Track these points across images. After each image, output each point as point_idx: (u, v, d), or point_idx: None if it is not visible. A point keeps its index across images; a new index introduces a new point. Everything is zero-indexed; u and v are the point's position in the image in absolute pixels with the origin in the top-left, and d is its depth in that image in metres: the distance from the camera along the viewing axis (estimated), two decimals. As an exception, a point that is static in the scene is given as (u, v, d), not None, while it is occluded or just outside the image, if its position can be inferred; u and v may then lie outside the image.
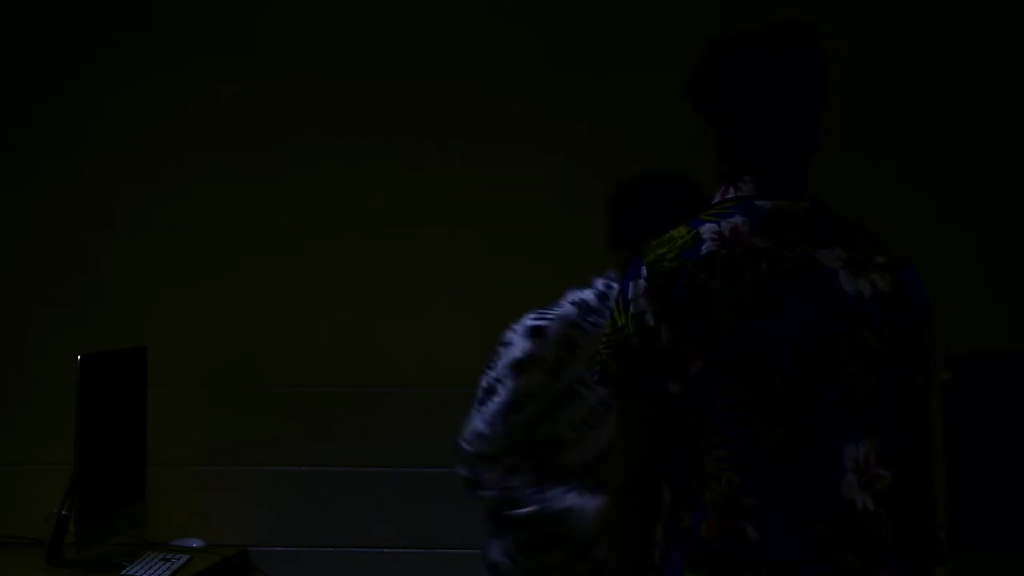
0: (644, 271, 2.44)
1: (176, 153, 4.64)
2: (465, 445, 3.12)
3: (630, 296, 2.45)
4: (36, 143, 4.67)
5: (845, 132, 4.42)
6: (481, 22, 4.60)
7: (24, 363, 4.61)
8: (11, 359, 4.62)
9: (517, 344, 3.15)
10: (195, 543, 4.42)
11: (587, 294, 3.20)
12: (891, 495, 2.41)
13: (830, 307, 2.40)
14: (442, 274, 4.56)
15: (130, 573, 4.00)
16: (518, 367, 3.13)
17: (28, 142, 4.68)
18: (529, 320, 3.18)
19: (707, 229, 2.44)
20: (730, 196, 2.49)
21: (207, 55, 4.65)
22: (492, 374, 3.16)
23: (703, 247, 2.42)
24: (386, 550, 4.53)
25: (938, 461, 2.53)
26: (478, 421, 3.13)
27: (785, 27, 2.51)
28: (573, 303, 3.19)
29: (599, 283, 3.22)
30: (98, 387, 4.08)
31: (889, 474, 2.41)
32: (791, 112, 2.48)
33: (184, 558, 4.20)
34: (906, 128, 4.48)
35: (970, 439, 3.77)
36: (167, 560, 4.16)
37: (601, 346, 2.48)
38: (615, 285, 3.18)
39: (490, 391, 3.15)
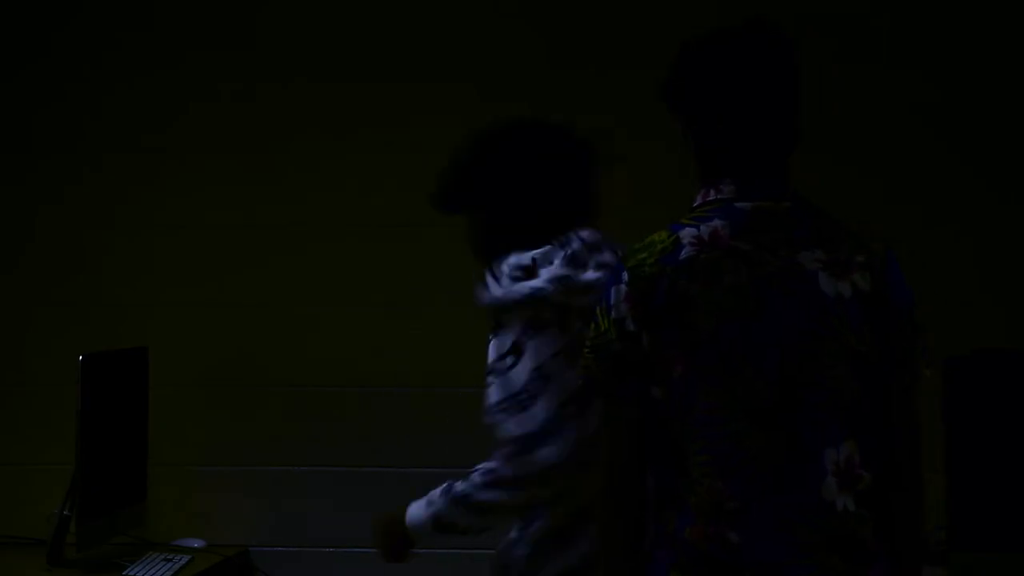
0: (625, 276, 2.46)
1: (176, 153, 4.64)
2: None
3: (612, 301, 2.46)
4: (36, 143, 4.67)
5: (844, 131, 4.42)
6: (481, 22, 4.60)
7: (24, 363, 4.61)
8: (11, 359, 4.62)
9: None
10: (196, 543, 4.42)
11: None
12: (873, 495, 2.42)
13: (812, 310, 2.40)
14: (442, 274, 4.56)
15: (131, 573, 4.00)
16: None
17: (28, 142, 4.68)
18: None
19: (686, 233, 2.45)
20: (710, 199, 2.49)
21: (207, 55, 4.65)
22: None
23: (682, 252, 2.43)
24: (386, 550, 4.53)
25: (924, 459, 2.53)
26: None
27: (754, 26, 2.52)
28: None
29: None
30: (99, 387, 4.08)
31: (870, 475, 2.41)
32: (766, 111, 2.49)
33: (185, 558, 4.20)
34: (905, 127, 4.48)
35: (970, 439, 3.77)
36: (168, 560, 4.16)
37: (585, 350, 2.49)
38: None
39: None
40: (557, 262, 2.86)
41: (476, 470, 2.86)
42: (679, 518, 2.40)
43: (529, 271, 2.87)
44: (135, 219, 4.63)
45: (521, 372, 2.80)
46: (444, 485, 2.93)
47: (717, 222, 2.45)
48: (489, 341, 2.89)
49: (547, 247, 2.90)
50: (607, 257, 2.87)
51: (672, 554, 2.40)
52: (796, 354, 2.39)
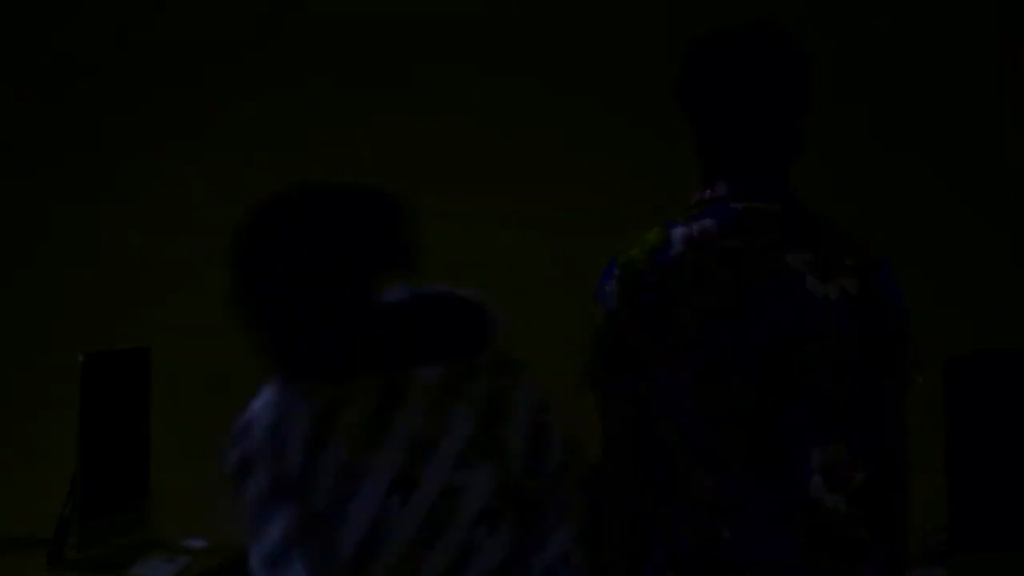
0: (616, 272, 2.47)
1: (179, 153, 4.65)
2: None
3: (605, 295, 2.47)
4: (38, 143, 4.68)
5: (845, 132, 4.43)
6: (481, 24, 4.61)
7: (26, 363, 4.62)
8: (13, 359, 4.63)
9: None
10: (198, 543, 4.42)
11: None
12: (867, 496, 2.43)
13: (799, 311, 2.41)
14: (442, 275, 4.57)
15: (133, 574, 4.00)
16: None
17: (30, 142, 4.68)
18: None
19: (678, 232, 2.46)
20: (705, 198, 2.50)
21: (213, 56, 4.66)
22: None
23: (672, 250, 2.44)
24: (387, 550, 4.54)
25: (910, 462, 2.54)
26: None
27: (756, 26, 2.52)
28: None
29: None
30: (101, 387, 4.08)
31: (863, 475, 2.42)
32: (765, 112, 2.49)
33: (187, 559, 4.21)
34: (907, 128, 4.49)
35: (970, 440, 3.78)
36: (170, 561, 4.16)
37: (584, 346, 2.50)
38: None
39: None
40: None
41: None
42: (674, 516, 2.41)
43: None
44: (138, 219, 4.64)
45: None
46: None
47: (708, 222, 2.46)
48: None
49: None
50: None
51: (669, 553, 2.40)
52: (785, 355, 2.40)
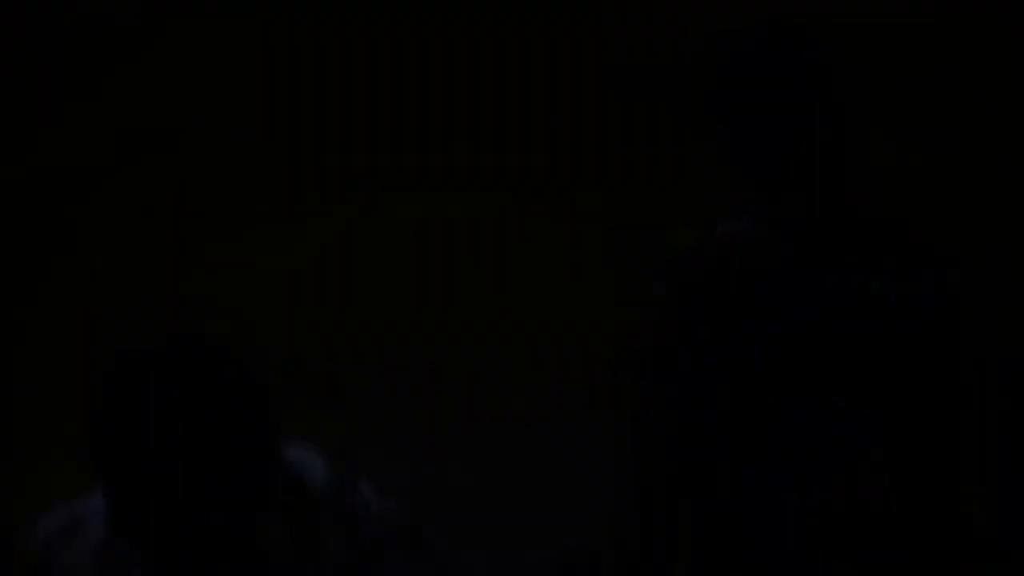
0: (653, 271, 2.48)
1: (187, 155, 4.67)
2: None
3: (642, 295, 2.48)
4: (47, 145, 4.70)
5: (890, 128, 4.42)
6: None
7: (39, 364, 4.63)
8: (29, 361, 4.64)
9: None
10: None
11: None
12: (903, 494, 2.42)
13: (834, 310, 2.41)
14: (442, 275, 4.59)
15: (147, 575, 4.01)
16: None
17: (39, 144, 4.70)
18: None
19: (715, 233, 2.46)
20: (739, 202, 2.51)
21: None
22: None
23: (708, 251, 2.44)
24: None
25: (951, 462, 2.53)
26: None
27: (769, 30, 2.52)
28: None
29: None
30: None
31: (898, 473, 2.42)
32: (790, 117, 2.48)
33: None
34: (916, 135, 4.48)
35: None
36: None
37: (620, 347, 2.51)
38: None
39: None
40: None
41: None
42: (692, 516, 2.41)
43: None
44: (148, 222, 4.66)
45: None
46: None
47: (744, 223, 2.47)
48: None
49: None
50: None
51: (683, 552, 2.41)
52: (817, 352, 2.40)
